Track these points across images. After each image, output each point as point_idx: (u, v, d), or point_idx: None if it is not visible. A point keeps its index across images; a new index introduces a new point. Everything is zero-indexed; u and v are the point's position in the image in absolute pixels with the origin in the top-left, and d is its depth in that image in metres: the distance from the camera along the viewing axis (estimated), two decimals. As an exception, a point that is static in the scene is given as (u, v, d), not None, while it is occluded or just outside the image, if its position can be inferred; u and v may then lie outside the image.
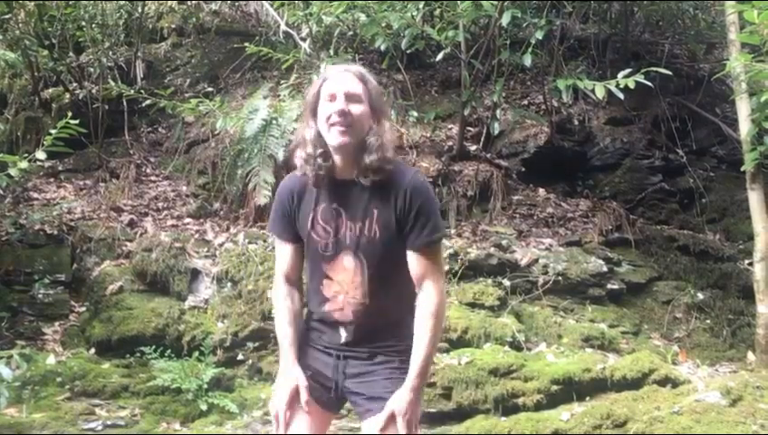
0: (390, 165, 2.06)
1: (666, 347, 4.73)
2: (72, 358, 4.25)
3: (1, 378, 3.15)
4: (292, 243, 2.21)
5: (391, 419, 2.02)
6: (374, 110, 2.08)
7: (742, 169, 4.72)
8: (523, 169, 6.24)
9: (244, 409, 4.00)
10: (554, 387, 3.91)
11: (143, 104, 5.79)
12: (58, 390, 3.93)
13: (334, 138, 2.02)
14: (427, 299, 2.06)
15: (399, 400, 2.03)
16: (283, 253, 2.24)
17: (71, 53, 6.66)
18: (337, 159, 2.07)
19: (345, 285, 2.09)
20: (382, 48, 5.34)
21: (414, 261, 2.07)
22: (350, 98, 2.04)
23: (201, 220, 5.54)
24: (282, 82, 6.08)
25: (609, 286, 5.20)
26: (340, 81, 2.06)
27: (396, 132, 2.31)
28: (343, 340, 2.14)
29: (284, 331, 2.20)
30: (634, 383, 3.95)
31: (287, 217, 2.19)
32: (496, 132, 5.84)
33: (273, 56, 5.70)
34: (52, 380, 3.97)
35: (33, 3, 6.34)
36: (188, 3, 7.72)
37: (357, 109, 2.04)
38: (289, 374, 2.15)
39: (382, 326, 2.13)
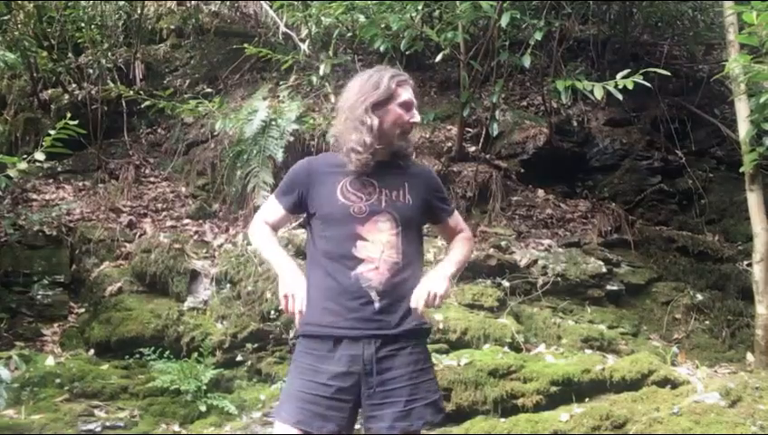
0: (412, 153, 2.38)
1: (665, 348, 4.73)
2: (70, 359, 4.25)
3: (0, 379, 3.15)
4: (286, 210, 2.33)
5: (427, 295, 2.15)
6: None
7: (741, 170, 4.71)
8: (523, 170, 6.24)
9: (244, 410, 4.00)
10: (553, 388, 3.90)
11: (142, 105, 5.80)
12: (57, 391, 3.93)
13: (398, 139, 2.26)
14: (464, 234, 2.45)
15: (435, 281, 2.17)
16: (274, 209, 2.35)
17: (70, 54, 6.67)
18: (382, 148, 2.26)
19: (381, 244, 2.15)
20: (381, 49, 5.34)
21: (447, 228, 2.44)
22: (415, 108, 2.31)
23: (200, 221, 5.54)
24: (281, 83, 6.09)
25: (608, 287, 5.20)
26: (411, 92, 2.29)
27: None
28: (377, 306, 2.12)
29: (273, 248, 2.32)
30: (633, 384, 3.95)
31: (295, 189, 2.29)
32: (495, 133, 5.84)
33: (273, 57, 5.70)
34: (51, 381, 3.96)
35: (32, 4, 6.34)
36: (188, 4, 7.73)
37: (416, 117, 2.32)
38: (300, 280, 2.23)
39: (409, 294, 2.16)
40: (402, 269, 2.17)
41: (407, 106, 2.25)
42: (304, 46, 5.69)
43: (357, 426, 2.23)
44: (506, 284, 4.86)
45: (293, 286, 2.19)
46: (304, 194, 2.26)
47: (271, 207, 2.37)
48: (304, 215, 2.35)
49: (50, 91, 7.01)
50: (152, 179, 6.24)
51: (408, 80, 2.31)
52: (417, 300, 2.13)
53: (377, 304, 2.12)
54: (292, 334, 4.29)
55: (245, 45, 5.77)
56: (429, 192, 2.35)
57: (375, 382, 2.09)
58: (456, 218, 2.47)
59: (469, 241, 2.45)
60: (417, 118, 2.28)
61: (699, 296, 5.33)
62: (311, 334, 2.17)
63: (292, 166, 2.36)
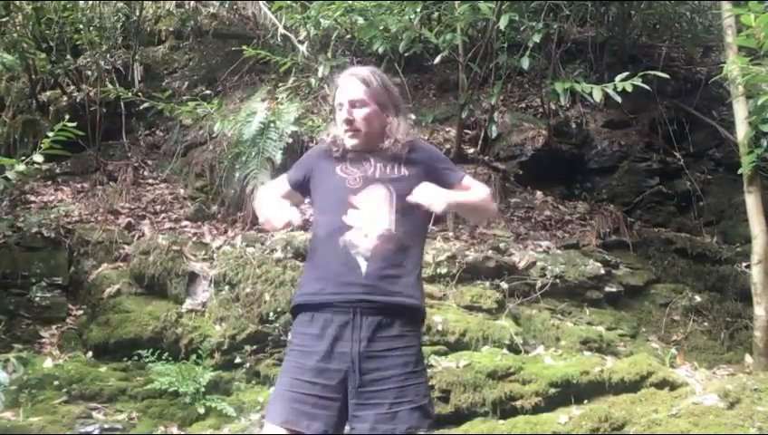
0: (395, 143, 2.30)
1: (663, 350, 4.73)
2: (69, 361, 4.23)
3: (-2, 381, 3.14)
4: (291, 185, 2.41)
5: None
6: (383, 106, 2.31)
7: (739, 171, 4.73)
8: (521, 172, 6.24)
9: (242, 412, 3.99)
10: (552, 390, 3.90)
11: (141, 107, 5.80)
12: (55, 393, 3.91)
13: (347, 142, 2.30)
14: (481, 187, 2.42)
15: (440, 192, 2.18)
16: (280, 184, 2.44)
17: (68, 56, 6.66)
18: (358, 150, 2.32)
19: (372, 212, 2.18)
20: (380, 51, 5.34)
21: (463, 184, 2.37)
22: (354, 104, 2.27)
23: (199, 223, 5.54)
24: (279, 84, 6.09)
25: (606, 289, 5.20)
26: (345, 89, 2.30)
27: (410, 124, 2.51)
28: (364, 271, 2.12)
29: (269, 201, 2.33)
30: (632, 386, 3.95)
31: (304, 167, 2.40)
32: (494, 135, 5.85)
33: (271, 59, 5.71)
34: (49, 383, 3.95)
35: (30, 6, 6.34)
36: (186, 5, 7.73)
37: (361, 113, 2.27)
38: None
39: (400, 263, 2.17)
40: (393, 237, 2.16)
41: (339, 107, 2.31)
42: (303, 48, 5.69)
43: (347, 429, 2.22)
44: (505, 285, 4.86)
45: (277, 210, 2.20)
46: (308, 174, 2.37)
47: (277, 183, 2.48)
48: (307, 200, 2.44)
49: (48, 93, 7.00)
50: (151, 181, 6.24)
51: (347, 78, 2.32)
52: (417, 194, 2.15)
53: (363, 269, 2.12)
54: (290, 336, 4.28)
55: (244, 47, 5.78)
56: (429, 162, 2.34)
57: (359, 382, 2.08)
58: (471, 181, 2.43)
59: (485, 193, 2.40)
60: (344, 114, 2.26)
61: (698, 298, 5.33)
62: (302, 303, 2.22)
63: (310, 149, 2.51)
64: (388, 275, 2.13)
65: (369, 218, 2.16)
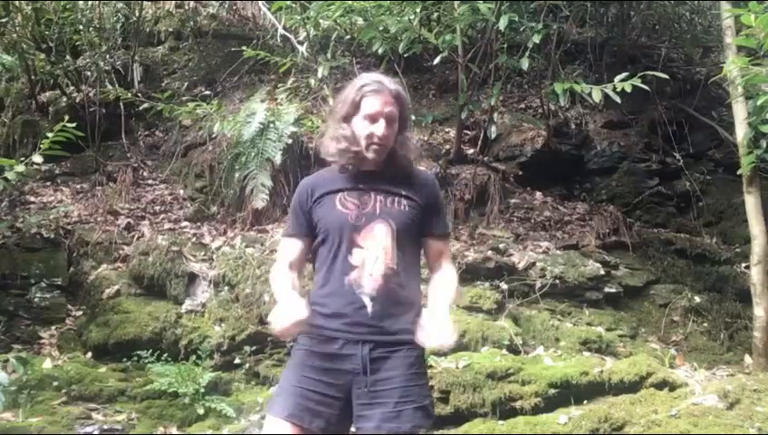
0: (411, 163, 2.31)
1: (663, 350, 4.74)
2: (68, 362, 4.23)
3: (-3, 382, 3.14)
4: (305, 237, 2.31)
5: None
6: (401, 123, 2.27)
7: (738, 172, 4.73)
8: (521, 173, 6.24)
9: (242, 413, 3.99)
10: (552, 390, 3.90)
11: (140, 108, 5.80)
12: (54, 394, 3.91)
13: (370, 154, 2.22)
14: (447, 270, 2.32)
15: (446, 332, 2.07)
16: (294, 246, 2.32)
17: (68, 57, 6.66)
18: (367, 162, 2.26)
19: (375, 250, 2.17)
20: (380, 52, 5.34)
21: (433, 246, 2.33)
22: (389, 121, 2.21)
23: (198, 224, 5.54)
24: (279, 85, 6.09)
25: (606, 290, 5.20)
26: (382, 101, 2.20)
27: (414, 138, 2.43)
28: (370, 311, 2.13)
29: (280, 285, 2.22)
30: (631, 387, 3.95)
31: (304, 213, 2.30)
32: (493, 136, 5.84)
33: (271, 60, 5.70)
34: (49, 384, 3.95)
35: (30, 6, 6.34)
36: (186, 6, 7.73)
37: (391, 130, 2.22)
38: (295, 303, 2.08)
39: (403, 301, 2.18)
40: (396, 275, 2.17)
41: (371, 118, 2.19)
42: (303, 49, 5.69)
43: (352, 429, 2.23)
44: (504, 286, 4.86)
45: (278, 311, 2.07)
46: (310, 212, 2.28)
47: (286, 246, 2.34)
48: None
49: (48, 94, 7.00)
50: (150, 182, 6.24)
51: (380, 89, 2.21)
52: (427, 340, 2.08)
53: (369, 310, 2.14)
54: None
55: (244, 48, 5.78)
56: (428, 198, 2.30)
57: (367, 382, 2.11)
58: (445, 245, 2.38)
59: (454, 283, 2.30)
60: (381, 130, 2.18)
61: (697, 299, 5.33)
62: (308, 334, 2.20)
63: (295, 192, 2.37)
64: (393, 314, 2.16)
65: (373, 257, 2.17)
